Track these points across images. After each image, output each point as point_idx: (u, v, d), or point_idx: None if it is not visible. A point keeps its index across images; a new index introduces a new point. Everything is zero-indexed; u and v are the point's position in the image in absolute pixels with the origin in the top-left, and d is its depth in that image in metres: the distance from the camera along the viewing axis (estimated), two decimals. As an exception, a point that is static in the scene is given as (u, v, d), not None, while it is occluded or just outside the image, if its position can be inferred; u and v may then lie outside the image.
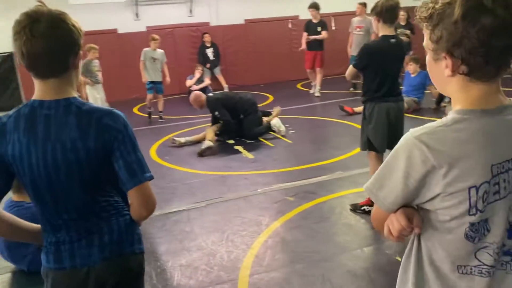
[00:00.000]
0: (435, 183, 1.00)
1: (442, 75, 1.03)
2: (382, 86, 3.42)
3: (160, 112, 8.20)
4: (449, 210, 1.02)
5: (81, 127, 1.36)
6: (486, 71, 0.99)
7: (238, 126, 6.34)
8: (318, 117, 7.41)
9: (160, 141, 6.47)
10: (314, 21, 9.18)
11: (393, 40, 3.37)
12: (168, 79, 8.00)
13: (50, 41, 1.32)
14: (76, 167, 1.37)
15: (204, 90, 9.78)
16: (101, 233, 1.45)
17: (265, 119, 6.61)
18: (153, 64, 7.89)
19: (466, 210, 1.00)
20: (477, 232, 1.02)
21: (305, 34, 9.25)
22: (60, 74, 1.38)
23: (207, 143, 5.84)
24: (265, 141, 6.23)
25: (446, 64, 1.01)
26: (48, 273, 1.48)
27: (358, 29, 9.09)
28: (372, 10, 3.36)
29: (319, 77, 9.29)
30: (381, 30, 3.38)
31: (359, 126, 6.33)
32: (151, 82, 7.93)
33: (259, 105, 8.65)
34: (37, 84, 1.39)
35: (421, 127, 1.03)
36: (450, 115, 1.04)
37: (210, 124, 6.42)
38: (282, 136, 6.39)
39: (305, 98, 9.30)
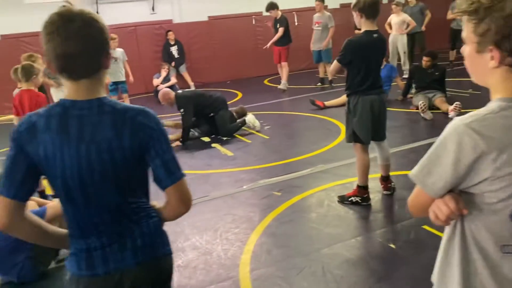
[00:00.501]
0: (484, 168, 1.06)
1: (485, 66, 1.09)
2: (366, 80, 3.52)
3: None
4: (496, 193, 1.08)
5: (115, 127, 1.34)
6: None
7: (211, 124, 6.36)
8: (290, 112, 7.49)
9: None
10: (277, 18, 9.27)
11: (375, 35, 3.47)
12: (131, 78, 7.96)
13: (85, 41, 1.30)
14: (111, 167, 1.35)
15: (171, 88, 9.65)
16: (133, 237, 1.43)
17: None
18: (113, 64, 7.73)
19: None
20: None
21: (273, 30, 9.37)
22: (92, 74, 1.36)
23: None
24: (241, 138, 6.23)
25: (492, 56, 1.06)
26: (79, 280, 1.43)
27: (317, 25, 9.31)
28: (354, 5, 3.43)
29: (284, 71, 9.41)
30: (364, 25, 3.47)
31: (332, 120, 6.66)
32: (114, 83, 7.80)
33: (228, 103, 8.71)
34: (68, 84, 1.37)
35: (468, 114, 1.09)
36: (495, 103, 1.09)
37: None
38: (257, 131, 6.42)
39: (274, 94, 9.37)
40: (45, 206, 3.12)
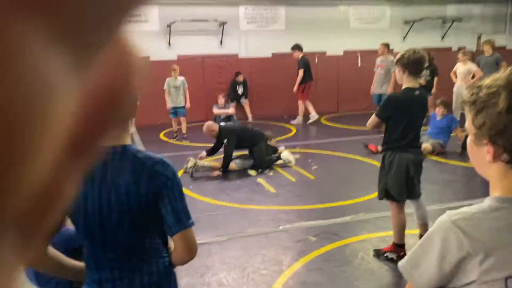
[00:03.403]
0: (470, 269, 0.99)
1: (483, 159, 1.04)
2: (404, 137, 3.36)
3: (184, 133, 8.70)
4: None
5: (135, 173, 1.43)
6: None
7: (251, 155, 6.59)
8: (341, 153, 7.35)
9: (185, 169, 6.50)
10: (298, 59, 10.09)
11: (417, 92, 3.34)
12: (188, 104, 8.54)
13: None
14: (128, 209, 1.44)
15: (229, 118, 9.93)
16: (142, 274, 1.51)
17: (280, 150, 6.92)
18: (175, 91, 8.45)
19: None
20: None
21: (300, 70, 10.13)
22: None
23: (194, 163, 6.22)
24: (287, 175, 6.19)
25: (488, 150, 1.01)
26: None
27: (379, 68, 9.23)
28: (398, 60, 3.32)
29: (300, 108, 10.16)
30: (406, 81, 3.34)
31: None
32: (174, 108, 8.49)
33: (282, 137, 8.73)
34: None
35: (457, 211, 1.03)
36: (488, 202, 1.03)
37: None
38: (307, 172, 6.34)
39: (327, 132, 9.29)
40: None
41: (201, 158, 6.60)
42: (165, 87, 8.36)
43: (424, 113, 3.49)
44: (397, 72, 3.34)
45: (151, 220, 1.49)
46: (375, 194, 5.19)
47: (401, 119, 3.33)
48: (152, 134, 9.57)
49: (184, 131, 8.64)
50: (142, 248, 1.50)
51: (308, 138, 8.89)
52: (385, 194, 3.48)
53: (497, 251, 0.96)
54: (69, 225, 1.64)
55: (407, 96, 3.31)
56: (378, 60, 9.38)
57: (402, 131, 3.34)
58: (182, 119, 8.59)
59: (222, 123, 6.88)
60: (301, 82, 10.07)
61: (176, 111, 8.50)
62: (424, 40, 12.51)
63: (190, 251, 1.49)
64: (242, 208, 4.93)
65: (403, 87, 3.36)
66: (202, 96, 10.99)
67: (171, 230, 1.46)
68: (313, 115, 10.28)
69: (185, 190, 5.29)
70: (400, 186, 3.41)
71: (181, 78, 8.42)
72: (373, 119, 3.46)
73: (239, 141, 6.40)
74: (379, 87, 9.21)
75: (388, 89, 9.03)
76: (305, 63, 10.01)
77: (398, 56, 3.32)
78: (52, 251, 1.52)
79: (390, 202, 3.51)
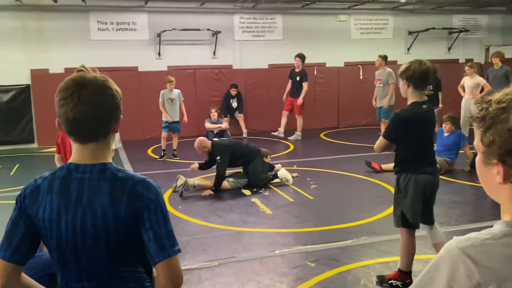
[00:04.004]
0: None
1: (493, 180, 1.01)
2: (417, 156, 3.32)
3: (174, 150, 8.64)
4: None
5: (113, 194, 1.40)
6: None
7: (245, 173, 6.59)
8: (342, 172, 7.34)
9: (174, 187, 6.45)
10: (296, 70, 10.29)
11: (424, 106, 3.31)
12: (185, 118, 8.52)
13: (97, 107, 1.40)
14: (104, 234, 1.39)
15: (222, 133, 9.93)
16: None
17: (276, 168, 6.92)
18: (171, 105, 8.44)
19: None
20: None
21: (289, 81, 10.45)
22: (100, 138, 1.45)
23: (184, 181, 6.21)
24: (284, 195, 6.16)
25: (498, 170, 0.98)
26: None
27: (378, 82, 9.34)
28: (402, 73, 3.27)
29: (298, 123, 10.45)
30: (411, 96, 3.30)
31: (387, 186, 6.42)
32: (167, 122, 8.45)
33: (279, 154, 8.72)
34: (75, 147, 1.46)
35: (466, 236, 0.99)
36: (499, 226, 1.00)
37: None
38: (303, 191, 6.32)
39: (327, 149, 9.29)
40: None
41: (193, 171, 6.58)
42: (160, 99, 8.38)
43: (434, 126, 3.46)
44: (401, 85, 3.30)
45: (131, 247, 1.43)
46: (379, 215, 5.21)
47: (412, 138, 3.26)
48: (139, 150, 9.53)
49: (174, 147, 8.62)
50: (121, 277, 1.45)
51: (307, 155, 8.87)
52: (402, 221, 3.42)
53: (509, 281, 0.93)
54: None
55: (414, 112, 3.26)
56: (376, 73, 9.50)
57: (415, 150, 3.29)
58: (175, 135, 8.57)
59: (215, 139, 6.86)
60: (298, 96, 10.26)
61: (169, 126, 8.46)
62: (429, 52, 12.69)
63: (175, 282, 1.42)
64: (235, 230, 4.88)
65: (409, 102, 3.32)
66: (193, 110, 11.00)
67: (153, 259, 1.40)
68: (281, 131, 10.74)
69: (173, 211, 5.24)
70: (416, 211, 3.35)
71: (177, 91, 8.46)
72: (381, 141, 3.40)
73: (233, 158, 6.39)
74: (379, 100, 9.32)
75: (384, 103, 9.10)
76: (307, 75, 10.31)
77: (402, 67, 3.28)
78: (25, 279, 1.49)
79: (401, 228, 3.47)
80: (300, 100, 10.25)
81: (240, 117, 11.20)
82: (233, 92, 11.03)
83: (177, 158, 8.52)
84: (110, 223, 1.39)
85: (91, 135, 1.42)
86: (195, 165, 6.59)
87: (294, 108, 10.37)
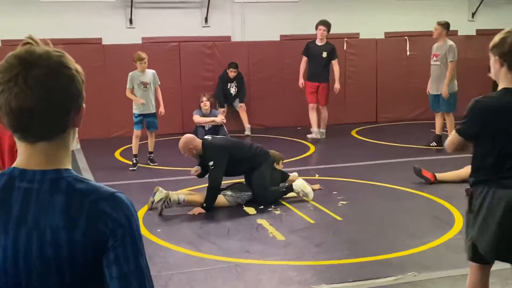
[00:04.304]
0: None
1: None
2: (502, 163, 3.24)
3: (150, 153, 8.62)
4: None
5: (69, 213, 1.39)
6: None
7: (248, 184, 6.62)
8: (382, 183, 7.33)
9: (150, 203, 6.46)
10: (319, 43, 10.30)
11: None
12: (162, 109, 8.47)
13: (51, 94, 1.39)
14: (55, 266, 1.38)
15: (216, 129, 9.95)
16: None
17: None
18: (143, 91, 8.38)
19: None
20: None
21: (304, 60, 10.45)
22: (54, 136, 1.44)
23: (165, 196, 6.20)
24: (302, 215, 6.16)
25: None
26: None
27: (434, 58, 9.33)
28: (494, 46, 3.24)
29: (323, 116, 10.54)
30: (504, 79, 3.24)
31: (444, 203, 6.41)
32: (140, 115, 8.41)
33: (294, 159, 8.73)
34: (21, 147, 1.45)
35: None
36: None
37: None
38: (328, 209, 6.32)
39: (362, 152, 9.29)
40: None
41: (197, 174, 6.54)
42: (128, 85, 8.37)
43: None
44: (493, 62, 3.25)
45: (93, 285, 1.44)
46: (433, 243, 5.20)
47: (497, 136, 3.19)
48: (103, 153, 9.55)
49: (150, 149, 8.64)
50: None
51: (333, 160, 8.85)
52: (472, 253, 3.36)
53: None
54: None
55: (504, 102, 3.23)
56: (434, 47, 9.46)
57: (500, 154, 3.22)
58: (151, 133, 8.55)
59: (207, 137, 6.86)
60: (328, 79, 10.23)
61: (143, 121, 8.45)
62: (501, 19, 12.61)
63: None
64: (234, 263, 4.87)
65: (500, 87, 3.27)
66: (177, 98, 11.03)
67: None
68: (321, 131, 10.63)
69: (149, 236, 5.28)
70: (492, 238, 3.29)
71: (151, 72, 8.46)
72: (453, 137, 3.33)
73: (232, 163, 6.40)
74: (437, 85, 9.26)
75: (444, 90, 9.05)
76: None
77: (495, 39, 3.22)
78: None
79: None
80: (337, 85, 10.28)
81: (241, 107, 11.22)
82: (232, 73, 11.07)
83: (155, 164, 8.55)
84: (62, 253, 1.38)
85: (42, 131, 1.42)
86: (196, 169, 6.56)
87: (319, 96, 10.41)
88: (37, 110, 1.38)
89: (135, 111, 8.42)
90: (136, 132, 8.46)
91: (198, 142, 6.50)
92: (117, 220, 1.40)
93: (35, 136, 1.42)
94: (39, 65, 1.38)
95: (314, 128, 10.55)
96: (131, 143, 8.65)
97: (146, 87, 8.35)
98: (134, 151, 8.47)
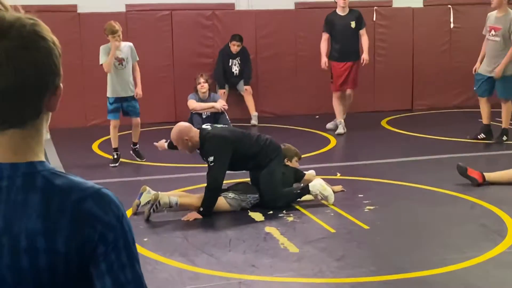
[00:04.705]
0: None
1: None
2: None
3: (135, 145, 8.64)
4: None
5: (47, 215, 1.39)
6: None
7: (255, 185, 6.65)
8: (417, 184, 7.34)
9: (136, 206, 6.49)
10: (342, 12, 10.22)
11: None
12: (139, 90, 8.47)
13: (23, 70, 1.39)
14: (31, 280, 1.39)
15: (216, 117, 9.96)
16: None
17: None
18: (118, 70, 8.34)
19: None
20: None
21: (325, 37, 10.29)
22: (26, 122, 1.44)
23: (153, 197, 6.20)
24: (320, 222, 6.17)
25: None
26: None
27: (493, 32, 9.20)
28: None
29: (348, 102, 10.48)
30: None
31: (494, 209, 6.39)
32: (117, 99, 8.37)
33: (313, 153, 8.73)
34: None
35: None
36: None
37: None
38: (346, 211, 6.33)
39: (394, 146, 9.31)
40: None
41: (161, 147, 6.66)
42: (101, 60, 8.35)
43: None
44: None
45: None
46: (480, 258, 5.20)
47: None
48: (78, 146, 9.59)
49: (135, 139, 8.64)
50: None
51: (358, 156, 8.86)
52: None
53: None
54: None
55: None
56: (492, 18, 9.34)
57: None
58: (135, 121, 8.56)
59: (206, 126, 6.84)
60: (359, 57, 10.22)
61: (121, 107, 8.46)
62: None
63: None
64: (238, 279, 4.90)
65: None
66: (169, 79, 11.04)
67: None
68: (341, 123, 10.44)
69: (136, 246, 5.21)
70: None
71: (127, 45, 8.45)
72: None
73: (236, 159, 6.43)
74: (491, 64, 9.19)
75: (497, 70, 8.99)
76: None
77: None
78: None
79: None
80: (366, 55, 10.15)
81: (246, 91, 11.23)
82: (235, 47, 11.05)
83: (142, 159, 8.57)
84: (41, 264, 1.38)
85: (12, 116, 1.42)
86: (161, 143, 6.70)
87: (349, 78, 10.29)
88: (7, 90, 1.38)
89: (110, 94, 8.38)
90: (114, 122, 8.46)
91: (195, 132, 6.50)
92: (107, 222, 1.41)
93: (3, 122, 1.42)
94: (11, 36, 1.39)
95: (340, 120, 10.41)
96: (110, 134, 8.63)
97: (122, 64, 8.33)
98: (114, 144, 8.50)
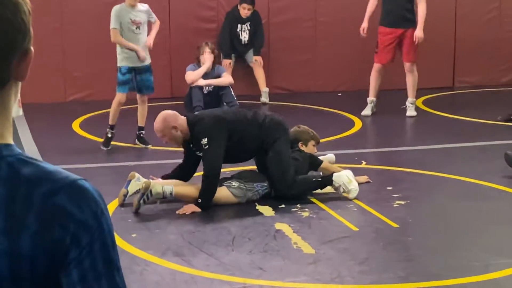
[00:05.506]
0: None
1: None
2: None
3: (140, 129, 8.57)
4: None
5: (10, 210, 1.39)
6: None
7: (262, 173, 6.68)
8: (457, 176, 7.34)
9: (122, 196, 6.52)
10: None
11: None
12: (151, 40, 8.51)
13: None
14: None
15: (219, 94, 9.96)
16: None
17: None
18: (135, 34, 8.33)
19: None
20: None
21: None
22: None
23: (143, 185, 6.21)
24: (340, 219, 6.18)
25: None
26: None
27: None
28: None
29: (411, 79, 10.21)
30: None
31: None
32: (131, 68, 8.34)
33: (332, 138, 8.73)
34: None
35: None
36: None
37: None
38: (371, 206, 6.34)
39: (431, 131, 9.34)
40: None
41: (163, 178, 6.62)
42: (114, 24, 8.30)
43: None
44: None
45: None
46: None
47: None
48: (56, 124, 9.60)
49: (141, 123, 8.56)
50: None
51: (388, 142, 8.85)
52: None
53: None
54: None
55: None
56: None
57: None
58: (143, 99, 8.58)
59: (198, 112, 6.83)
60: (415, 23, 10.06)
61: (131, 77, 8.38)
62: None
63: None
64: (242, 284, 4.93)
65: None
66: (164, 48, 11.03)
67: None
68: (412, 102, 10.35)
69: (122, 243, 5.34)
70: None
71: (144, 7, 8.45)
72: None
73: (233, 144, 6.43)
74: None
75: None
76: None
77: None
78: None
79: None
80: (419, 32, 9.98)
81: (256, 62, 11.23)
82: (245, 11, 11.03)
83: (148, 145, 8.46)
84: (2, 266, 1.39)
85: None
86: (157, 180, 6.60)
87: (404, 49, 10.16)
88: None
89: (123, 63, 8.33)
90: (121, 96, 8.38)
91: (182, 119, 6.51)
92: (81, 221, 1.39)
93: None
94: None
95: (372, 98, 10.35)
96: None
97: (139, 28, 8.32)
98: (111, 121, 8.38)
